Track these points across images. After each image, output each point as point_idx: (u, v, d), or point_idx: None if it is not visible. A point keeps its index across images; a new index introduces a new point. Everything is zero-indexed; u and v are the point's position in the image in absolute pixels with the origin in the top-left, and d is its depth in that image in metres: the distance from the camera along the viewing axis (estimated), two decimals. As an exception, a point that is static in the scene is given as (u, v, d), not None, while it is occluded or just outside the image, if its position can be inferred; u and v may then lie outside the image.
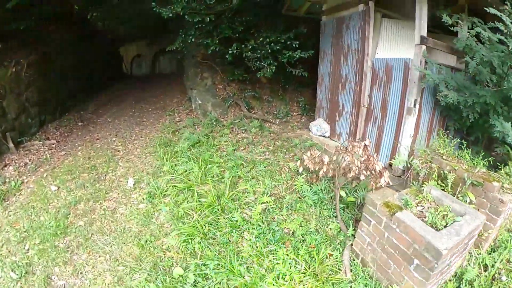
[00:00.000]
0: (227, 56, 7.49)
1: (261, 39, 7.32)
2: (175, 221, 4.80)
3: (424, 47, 5.05)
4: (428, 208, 3.69)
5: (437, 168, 4.46)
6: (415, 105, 5.25)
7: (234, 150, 7.04)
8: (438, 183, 4.26)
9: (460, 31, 4.76)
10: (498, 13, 4.15)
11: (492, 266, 3.84)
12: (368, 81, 6.06)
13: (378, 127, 5.95)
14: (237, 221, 4.59)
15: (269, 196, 5.31)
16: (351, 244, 4.19)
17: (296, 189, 5.41)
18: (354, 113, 6.47)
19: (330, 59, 7.12)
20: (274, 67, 7.37)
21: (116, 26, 13.12)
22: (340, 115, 6.94)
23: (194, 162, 6.33)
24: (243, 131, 8.13)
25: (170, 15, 6.65)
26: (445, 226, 3.27)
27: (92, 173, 6.77)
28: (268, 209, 4.97)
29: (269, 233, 4.42)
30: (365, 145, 5.07)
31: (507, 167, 4.35)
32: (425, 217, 3.48)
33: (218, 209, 4.87)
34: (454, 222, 3.30)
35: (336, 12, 6.79)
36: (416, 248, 3.12)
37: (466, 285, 3.64)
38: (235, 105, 9.09)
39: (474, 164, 4.30)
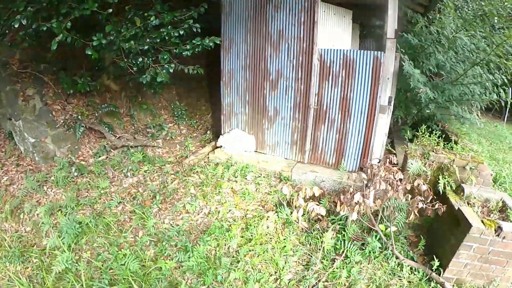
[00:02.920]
0: (89, 53, 3.93)
1: (151, 18, 4.28)
2: None
3: (395, 41, 4.29)
4: (478, 206, 3.62)
5: (436, 163, 4.20)
6: (389, 102, 4.49)
7: (155, 224, 3.97)
8: (443, 176, 4.03)
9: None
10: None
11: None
12: (316, 77, 4.71)
13: (338, 131, 4.80)
14: None
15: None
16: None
17: (325, 249, 3.51)
18: (299, 118, 4.98)
19: (245, 49, 5.14)
20: (173, 65, 4.57)
21: None
22: (272, 122, 5.23)
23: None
24: (128, 174, 4.89)
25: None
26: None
27: None
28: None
29: None
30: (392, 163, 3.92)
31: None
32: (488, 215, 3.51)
33: None
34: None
35: (252, -14, 4.87)
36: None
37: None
38: (89, 131, 5.32)
39: (461, 152, 4.41)
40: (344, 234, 3.74)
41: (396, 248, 3.60)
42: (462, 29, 4.83)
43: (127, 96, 6.10)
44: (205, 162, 5.48)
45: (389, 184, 3.70)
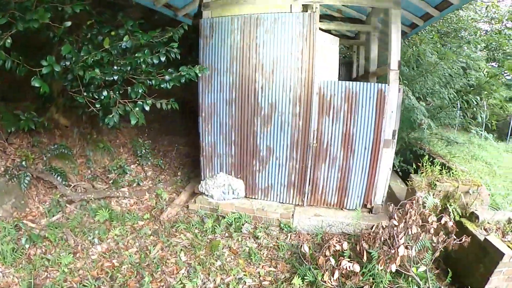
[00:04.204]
0: (36, 84, 2.72)
1: (124, 39, 3.24)
2: None
3: (398, 73, 4.05)
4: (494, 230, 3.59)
5: (443, 192, 4.04)
6: (394, 136, 4.19)
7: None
8: (449, 203, 3.94)
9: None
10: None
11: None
12: (315, 111, 4.19)
13: (340, 169, 4.33)
14: None
15: None
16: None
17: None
18: (297, 157, 4.37)
19: (230, 80, 4.36)
20: (150, 102, 3.57)
21: None
22: (265, 163, 4.50)
23: None
24: (95, 240, 3.72)
25: None
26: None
27: None
28: None
29: None
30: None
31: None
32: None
33: None
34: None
35: (237, 7, 4.15)
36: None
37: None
38: (36, 181, 3.97)
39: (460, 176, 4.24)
40: (380, 286, 3.23)
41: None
42: (444, 56, 4.87)
43: (81, 133, 4.80)
44: (185, 213, 4.47)
45: (419, 227, 3.36)
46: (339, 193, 4.42)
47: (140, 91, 3.54)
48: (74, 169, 4.60)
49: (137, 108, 3.52)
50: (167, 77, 3.71)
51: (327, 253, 3.35)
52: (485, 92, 5.19)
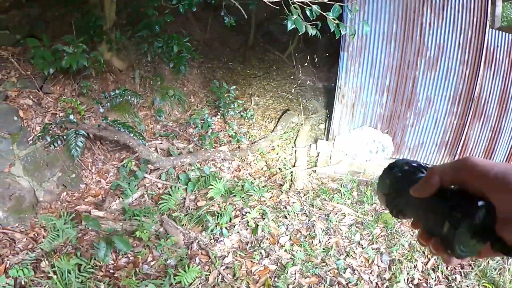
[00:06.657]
0: None
1: None
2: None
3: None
4: None
5: None
6: (542, 97, 3.91)
7: None
8: None
9: None
10: None
11: None
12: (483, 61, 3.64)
13: (491, 128, 3.82)
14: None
15: None
16: None
17: None
18: (457, 112, 3.69)
19: (391, 7, 3.41)
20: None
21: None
22: (421, 116, 3.69)
23: None
24: (216, 229, 2.44)
25: None
26: None
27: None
28: None
29: None
30: None
31: None
32: None
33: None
34: None
35: None
36: None
37: None
38: (92, 143, 2.58)
39: None
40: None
41: None
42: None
43: (143, 78, 3.19)
44: (317, 179, 3.28)
45: None
46: (484, 156, 3.92)
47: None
48: (139, 124, 3.04)
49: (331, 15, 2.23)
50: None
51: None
52: None
